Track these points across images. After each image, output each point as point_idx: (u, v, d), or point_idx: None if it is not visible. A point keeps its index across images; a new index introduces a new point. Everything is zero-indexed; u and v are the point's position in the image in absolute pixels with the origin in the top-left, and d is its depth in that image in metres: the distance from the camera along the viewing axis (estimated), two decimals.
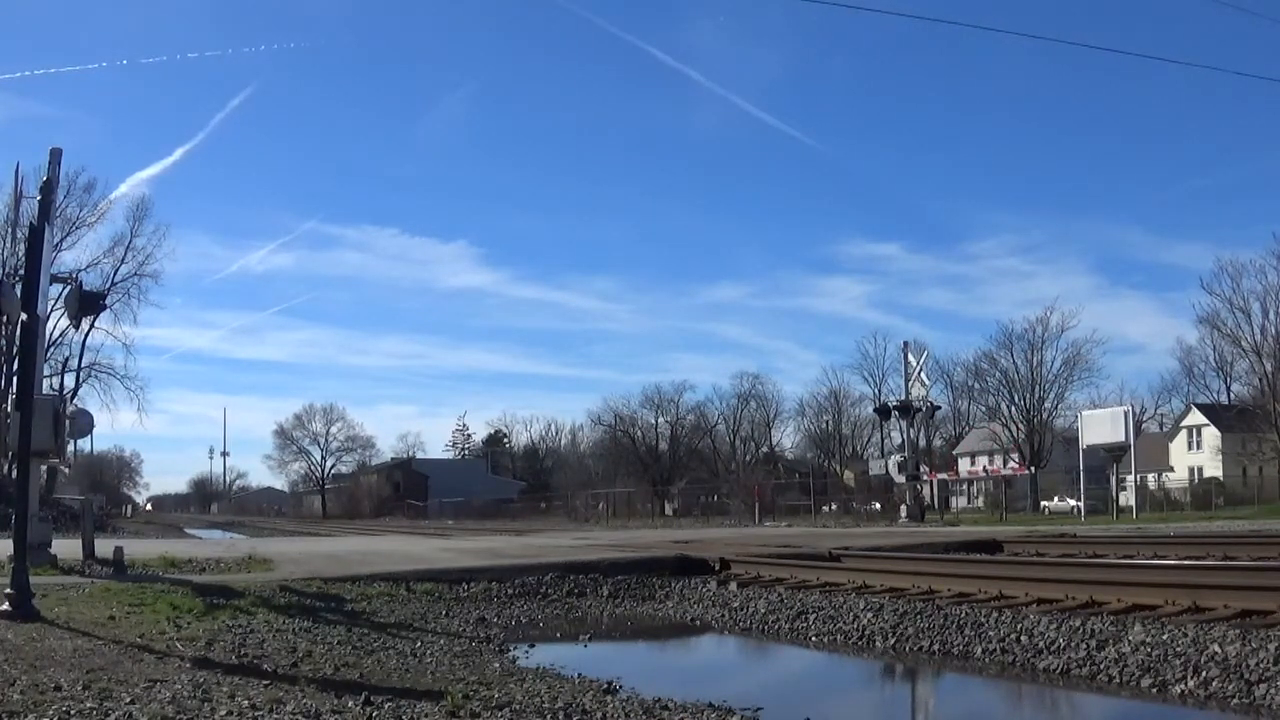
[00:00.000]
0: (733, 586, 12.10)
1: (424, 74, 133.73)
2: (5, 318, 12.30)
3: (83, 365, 50.78)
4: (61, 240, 43.00)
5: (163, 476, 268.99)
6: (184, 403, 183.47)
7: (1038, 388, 59.57)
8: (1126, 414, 41.73)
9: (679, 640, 10.36)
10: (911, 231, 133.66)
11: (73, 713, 4.54)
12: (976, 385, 67.09)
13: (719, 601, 11.29)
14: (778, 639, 9.40)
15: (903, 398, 38.94)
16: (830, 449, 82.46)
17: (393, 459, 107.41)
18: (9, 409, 10.93)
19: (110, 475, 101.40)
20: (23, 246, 13.45)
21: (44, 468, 15.74)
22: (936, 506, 45.66)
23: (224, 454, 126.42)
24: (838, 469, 77.12)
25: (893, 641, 8.38)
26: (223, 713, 4.73)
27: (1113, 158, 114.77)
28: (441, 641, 8.33)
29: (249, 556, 15.47)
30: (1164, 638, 6.86)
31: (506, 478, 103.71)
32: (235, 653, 6.89)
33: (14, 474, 12.92)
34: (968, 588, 10.17)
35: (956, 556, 14.09)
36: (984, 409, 68.29)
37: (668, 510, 70.31)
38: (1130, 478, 43.00)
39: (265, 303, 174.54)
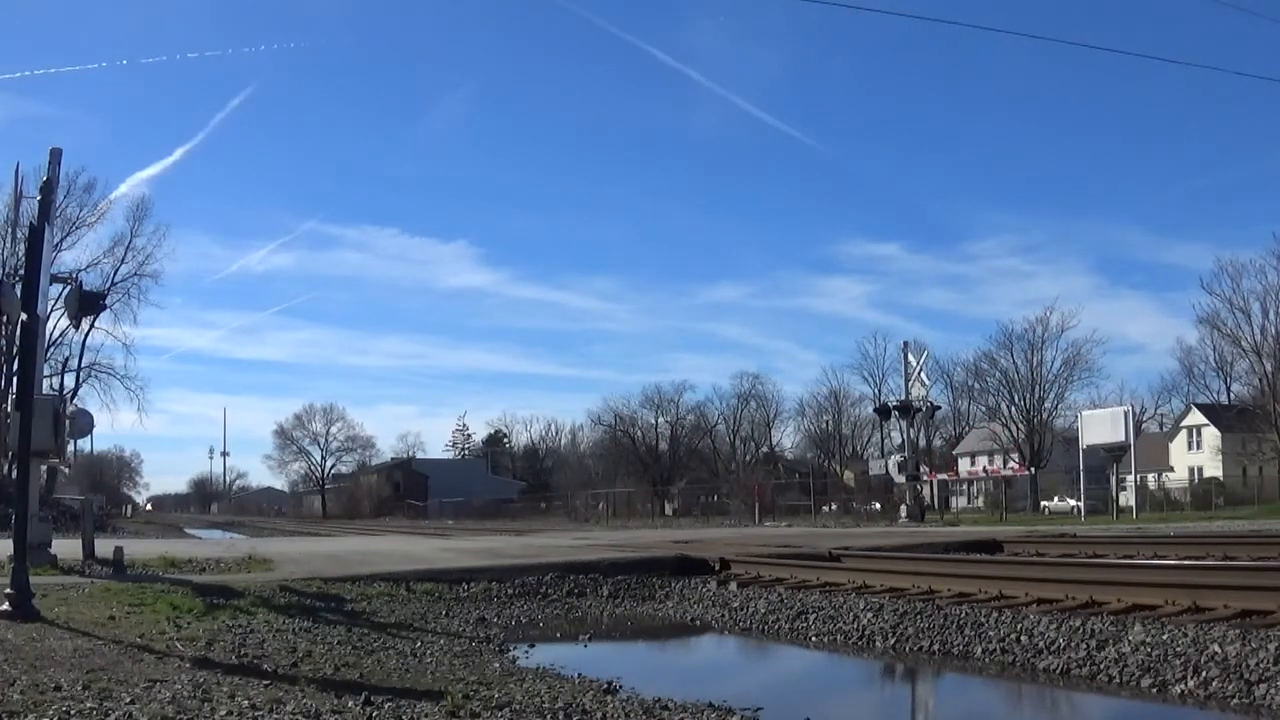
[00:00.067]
0: (733, 586, 12.10)
1: (424, 74, 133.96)
2: (5, 318, 12.30)
3: (83, 365, 50.88)
4: (61, 240, 43.06)
5: (163, 476, 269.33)
6: (184, 403, 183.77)
7: (1038, 388, 59.58)
8: (1126, 414, 41.74)
9: (679, 640, 10.36)
10: (911, 231, 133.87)
11: (73, 713, 4.54)
12: (976, 385, 67.14)
13: (719, 601, 11.29)
14: (778, 639, 9.40)
15: (903, 398, 38.93)
16: (830, 449, 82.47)
17: (393, 459, 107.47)
18: (9, 409, 10.93)
19: (110, 475, 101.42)
20: (23, 246, 13.45)
21: (44, 468, 15.74)
22: (936, 506, 45.68)
23: (224, 454, 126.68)
24: (838, 469, 77.13)
25: (893, 641, 8.38)
26: (223, 713, 4.73)
27: (1113, 158, 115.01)
28: (441, 641, 8.33)
29: (249, 556, 15.47)
30: (1164, 638, 6.86)
31: (506, 478, 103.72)
32: (235, 653, 6.89)
33: (14, 474, 12.92)
34: (968, 588, 10.17)
35: (956, 556, 14.09)
36: (984, 409, 68.34)
37: (668, 510, 70.31)
38: (1130, 478, 43.01)
39: (265, 303, 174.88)
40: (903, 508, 36.47)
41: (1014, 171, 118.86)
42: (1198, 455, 64.42)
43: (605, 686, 6.26)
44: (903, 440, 39.37)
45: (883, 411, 44.94)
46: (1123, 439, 39.53)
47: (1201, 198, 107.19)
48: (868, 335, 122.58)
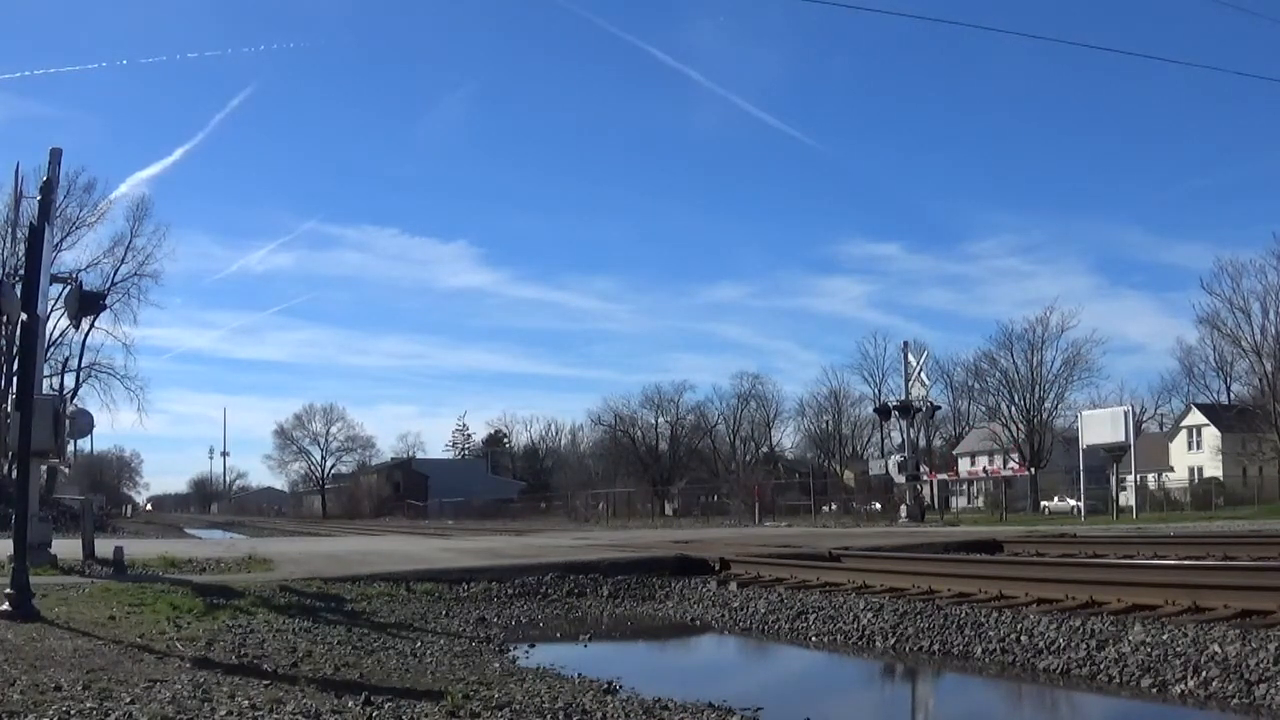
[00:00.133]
0: (733, 586, 12.10)
1: (424, 74, 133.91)
2: (5, 318, 12.31)
3: (83, 365, 50.87)
4: (61, 240, 43.05)
5: (163, 476, 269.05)
6: (184, 403, 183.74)
7: (1038, 388, 59.55)
8: (1126, 414, 41.74)
9: (679, 640, 10.36)
10: (911, 231, 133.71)
11: (73, 713, 4.54)
12: (976, 385, 67.09)
13: (719, 601, 11.29)
14: (778, 639, 9.40)
15: (903, 398, 38.90)
16: (830, 449, 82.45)
17: (393, 459, 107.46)
18: (9, 409, 10.94)
19: (110, 475, 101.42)
20: (23, 246, 13.45)
21: (44, 468, 15.74)
22: (936, 506, 45.68)
23: (224, 454, 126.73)
24: (838, 469, 77.11)
25: (893, 641, 8.38)
26: (223, 713, 4.73)
27: (1113, 158, 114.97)
28: (441, 641, 8.33)
29: (249, 556, 15.47)
30: (1164, 638, 6.86)
31: (506, 478, 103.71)
32: (235, 653, 6.89)
33: (14, 474, 12.92)
34: (968, 588, 10.17)
35: (956, 556, 14.09)
36: (984, 409, 68.29)
37: (668, 510, 70.30)
38: (1130, 478, 43.01)
39: (265, 303, 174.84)
40: (903, 508, 36.46)
41: (1014, 171, 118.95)
42: (1198, 455, 64.42)
43: (605, 686, 6.26)
44: (903, 440, 39.35)
45: (883, 411, 44.91)
46: (1123, 439, 39.53)
47: (1201, 198, 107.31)
48: (868, 335, 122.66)
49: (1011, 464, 60.37)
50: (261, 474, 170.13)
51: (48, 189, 10.36)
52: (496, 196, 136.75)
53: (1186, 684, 6.09)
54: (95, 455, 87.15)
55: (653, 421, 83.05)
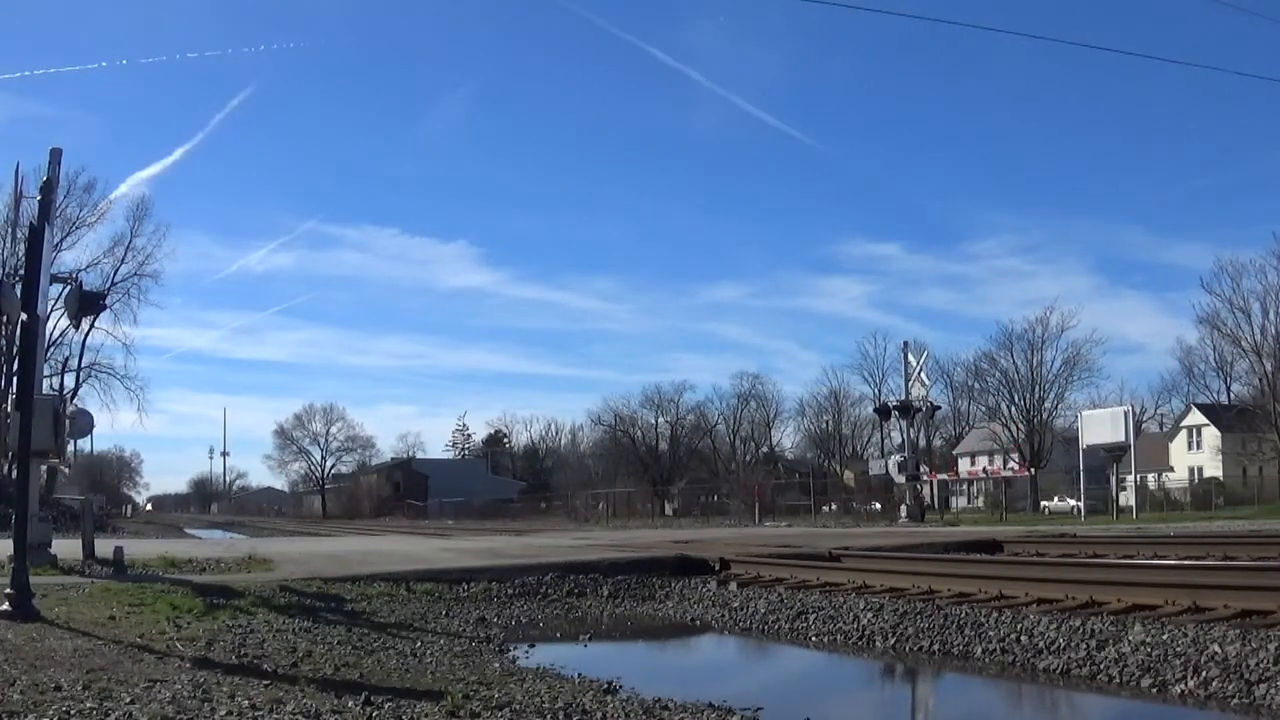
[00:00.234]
0: (733, 586, 12.10)
1: (424, 74, 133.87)
2: (5, 318, 12.31)
3: (83, 365, 50.85)
4: (61, 240, 43.05)
5: (163, 476, 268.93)
6: (184, 403, 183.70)
7: (1038, 388, 59.54)
8: (1126, 414, 41.73)
9: (679, 640, 10.36)
10: (911, 231, 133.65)
11: (73, 713, 4.54)
12: (976, 385, 67.09)
13: (719, 601, 11.29)
14: (778, 639, 9.40)
15: (903, 398, 38.90)
16: (830, 449, 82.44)
17: (393, 459, 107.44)
18: (9, 409, 10.94)
19: (110, 475, 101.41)
20: (23, 246, 13.45)
21: (44, 468, 15.74)
22: (936, 506, 45.67)
23: (224, 454, 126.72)
24: (838, 469, 77.10)
25: (893, 641, 8.38)
26: (223, 713, 4.73)
27: (1113, 158, 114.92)
28: (441, 641, 8.33)
29: (249, 556, 15.47)
30: (1164, 638, 6.86)
31: (506, 478, 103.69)
32: (235, 653, 6.89)
33: (14, 474, 12.92)
34: (968, 588, 10.17)
35: (956, 556, 14.09)
36: (984, 409, 68.28)
37: (668, 510, 70.30)
38: (1130, 478, 43.01)
39: (265, 303, 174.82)
40: (903, 508, 36.46)
41: (1014, 171, 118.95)
42: (1198, 455, 64.42)
43: (605, 686, 6.27)
44: (903, 440, 39.35)
45: (883, 411, 44.90)
46: (1123, 439, 39.53)
47: (1201, 198, 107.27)
48: (868, 335, 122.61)
49: (1011, 464, 60.35)
50: (261, 474, 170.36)
51: (48, 189, 10.36)
52: (496, 196, 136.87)
53: (1186, 684, 6.09)
54: (95, 455, 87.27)
55: (653, 421, 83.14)
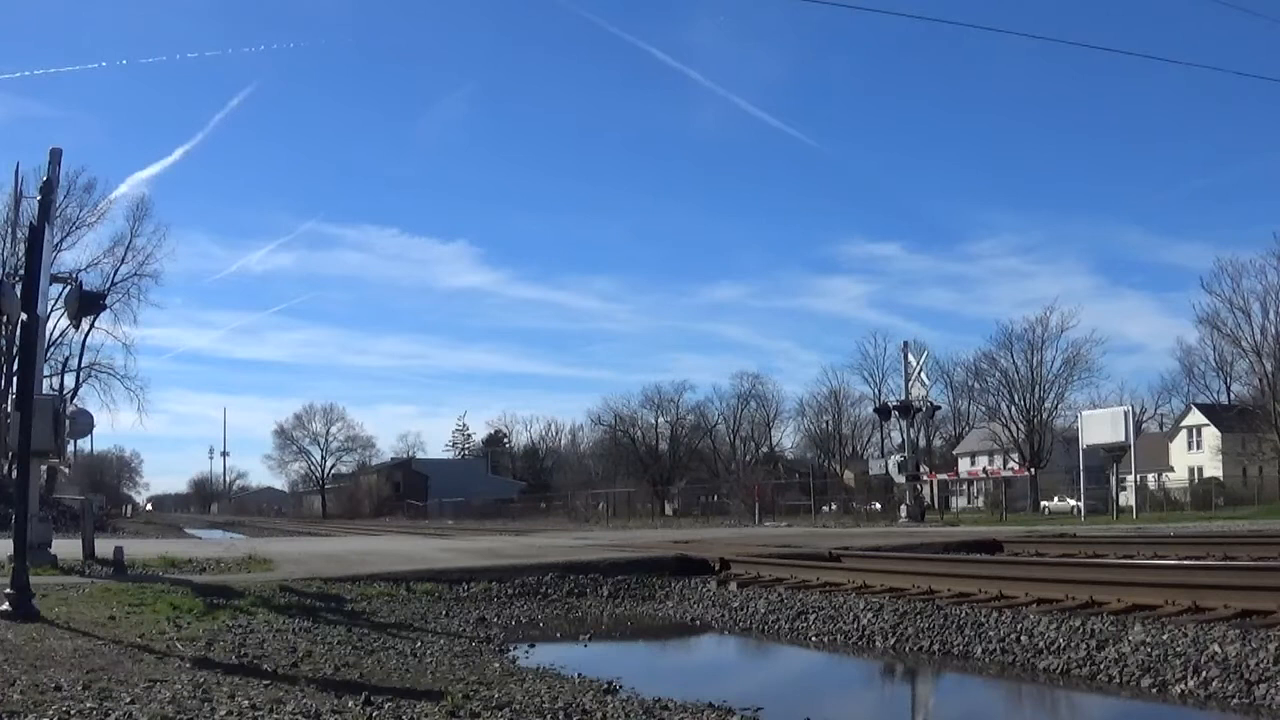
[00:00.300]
0: (733, 586, 12.10)
1: (424, 74, 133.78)
2: (5, 318, 12.31)
3: (83, 365, 50.80)
4: (61, 240, 43.05)
5: (163, 476, 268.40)
6: (184, 403, 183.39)
7: (1038, 388, 59.57)
8: (1126, 414, 41.77)
9: (679, 640, 10.36)
10: (911, 231, 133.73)
11: (73, 713, 4.54)
12: (976, 385, 67.13)
13: (719, 601, 11.29)
14: (778, 639, 9.40)
15: (903, 398, 38.90)
16: (830, 449, 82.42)
17: (393, 459, 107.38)
18: (9, 409, 10.94)
19: (110, 475, 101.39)
20: (23, 246, 13.46)
21: (44, 468, 15.74)
22: (936, 506, 45.72)
23: (224, 454, 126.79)
24: (838, 469, 77.10)
25: (893, 641, 8.38)
26: (223, 713, 4.73)
27: (1113, 158, 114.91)
28: (441, 641, 8.33)
29: (249, 556, 15.47)
30: (1164, 638, 6.85)
31: (506, 478, 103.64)
32: (235, 653, 6.89)
33: (14, 474, 12.92)
34: (968, 588, 10.17)
35: (956, 556, 14.08)
36: (984, 409, 68.31)
37: (668, 510, 70.31)
38: (1130, 478, 43.02)
39: (265, 303, 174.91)
40: (903, 508, 36.46)
41: (1014, 171, 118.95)
42: (1198, 455, 64.42)
43: (605, 686, 6.27)
44: (903, 440, 39.35)
45: (883, 411, 44.89)
46: (1123, 439, 39.55)
47: (1201, 198, 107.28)
48: (868, 335, 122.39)
49: (1011, 464, 60.36)
50: (261, 474, 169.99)
51: (48, 189, 10.35)
52: (496, 196, 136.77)
53: (1186, 684, 6.10)
54: (95, 455, 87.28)
55: (653, 421, 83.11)
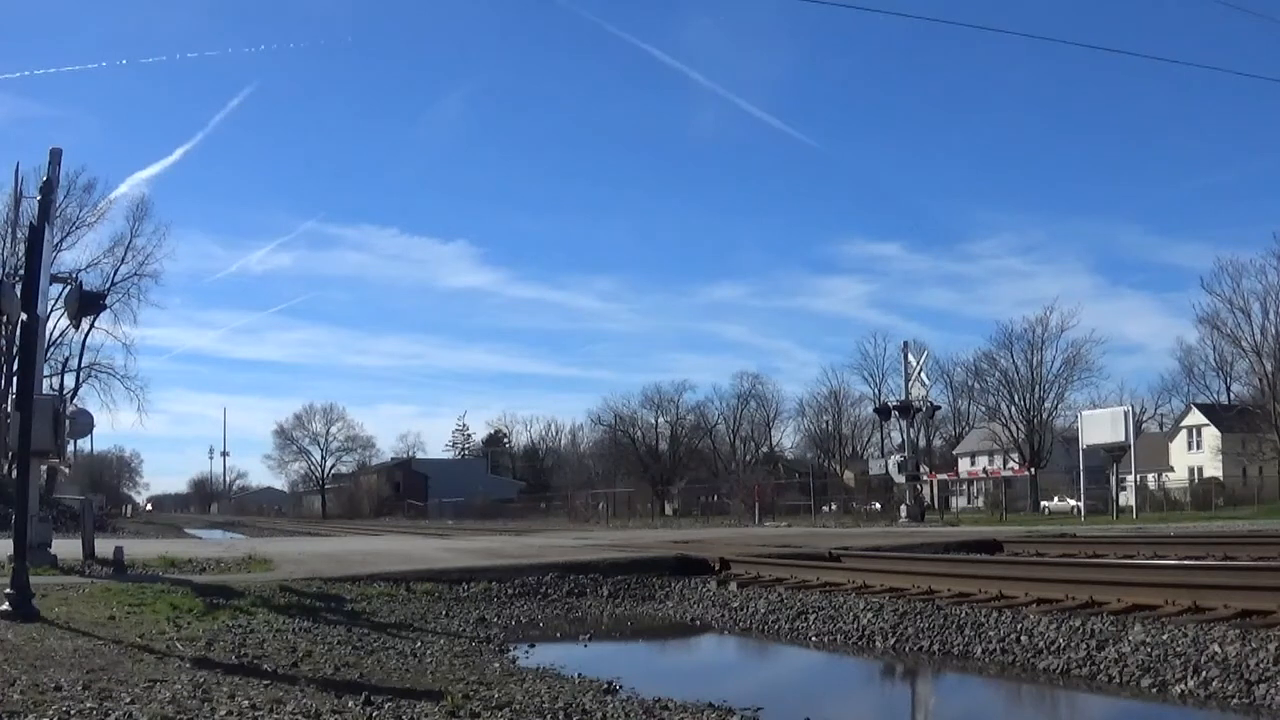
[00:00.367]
0: (733, 586, 12.10)
1: (424, 74, 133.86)
2: (5, 318, 12.31)
3: (83, 365, 50.80)
4: (61, 240, 43.05)
5: (163, 476, 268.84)
6: (184, 403, 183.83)
7: (1038, 388, 59.61)
8: (1126, 414, 41.77)
9: (679, 640, 10.36)
10: (911, 231, 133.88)
11: (73, 713, 4.54)
12: (976, 385, 67.20)
13: (719, 601, 11.29)
14: (778, 639, 9.40)
15: (903, 398, 38.88)
16: (830, 449, 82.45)
17: (393, 459, 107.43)
18: (9, 409, 10.93)
19: (110, 475, 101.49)
20: (23, 246, 13.46)
21: (44, 468, 15.73)
22: (936, 506, 45.71)
23: (224, 454, 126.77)
24: (838, 469, 77.12)
25: (893, 641, 8.38)
26: (223, 713, 4.73)
27: (1113, 158, 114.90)
28: (441, 641, 8.33)
29: (249, 556, 15.47)
30: (1164, 638, 6.85)
31: (506, 478, 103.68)
32: (235, 653, 6.89)
33: (14, 474, 12.92)
34: (968, 588, 10.17)
35: (956, 556, 14.08)
36: (984, 409, 68.36)
37: (668, 510, 70.35)
38: (1130, 478, 43.02)
39: (265, 303, 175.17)
40: (903, 508, 36.45)
41: (1014, 171, 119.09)
42: (1198, 455, 64.43)
43: (605, 686, 6.27)
44: (903, 440, 39.34)
45: (883, 411, 44.87)
46: (1123, 439, 39.55)
47: (1201, 198, 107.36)
48: (868, 335, 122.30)
49: (1011, 464, 60.38)
50: (261, 474, 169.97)
51: (48, 189, 10.36)
52: (496, 196, 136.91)
53: (1186, 684, 6.09)
54: (95, 455, 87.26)
55: (653, 421, 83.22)
